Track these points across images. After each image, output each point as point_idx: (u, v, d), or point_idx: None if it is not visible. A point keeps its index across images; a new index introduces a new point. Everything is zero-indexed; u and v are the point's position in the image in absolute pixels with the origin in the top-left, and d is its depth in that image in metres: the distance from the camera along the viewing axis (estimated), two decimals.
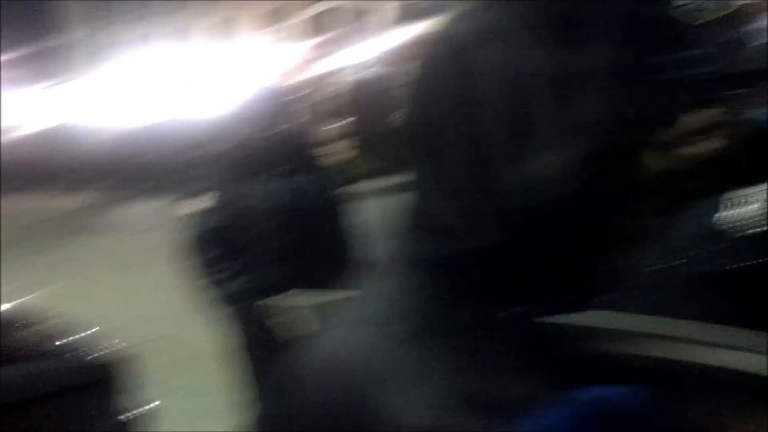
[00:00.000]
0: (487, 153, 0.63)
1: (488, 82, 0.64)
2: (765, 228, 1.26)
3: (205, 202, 3.28)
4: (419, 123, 0.68)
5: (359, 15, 33.35)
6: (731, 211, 1.30)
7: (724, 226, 1.28)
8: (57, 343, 3.35)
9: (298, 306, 2.55)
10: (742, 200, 1.30)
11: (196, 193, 3.38)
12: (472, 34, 0.66)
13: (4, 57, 25.39)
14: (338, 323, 0.71)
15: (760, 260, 1.04)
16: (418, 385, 0.62)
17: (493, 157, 0.63)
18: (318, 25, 35.18)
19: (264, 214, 3.20)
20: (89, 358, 3.30)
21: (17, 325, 3.48)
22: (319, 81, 33.00)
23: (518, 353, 0.62)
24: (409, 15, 32.67)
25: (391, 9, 32.77)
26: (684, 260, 1.09)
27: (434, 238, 0.66)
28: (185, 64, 32.35)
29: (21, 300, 4.48)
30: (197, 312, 3.57)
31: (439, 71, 0.67)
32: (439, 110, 0.66)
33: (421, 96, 0.69)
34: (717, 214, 1.31)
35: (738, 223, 1.28)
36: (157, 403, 3.52)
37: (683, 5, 0.74)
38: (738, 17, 1.04)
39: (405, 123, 0.69)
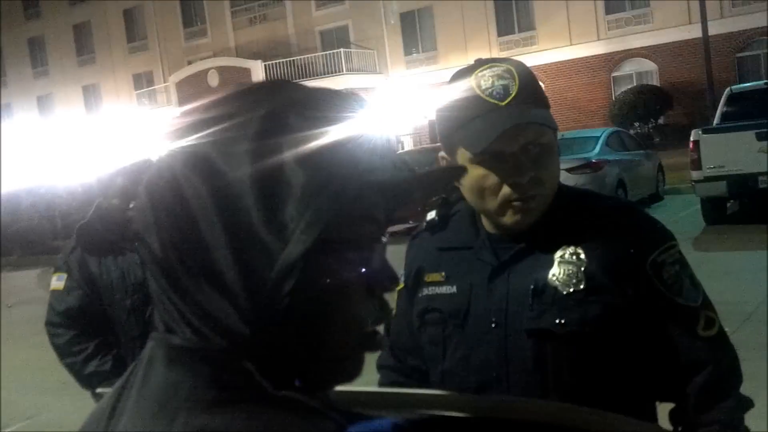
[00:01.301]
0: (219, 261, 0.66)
1: (202, 198, 0.66)
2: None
3: (68, 275, 3.18)
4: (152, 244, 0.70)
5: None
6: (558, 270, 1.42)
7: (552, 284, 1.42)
8: None
9: None
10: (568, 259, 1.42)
11: (61, 265, 3.22)
12: (180, 160, 0.69)
13: None
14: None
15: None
16: None
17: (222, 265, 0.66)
18: (184, 90, 35.41)
19: (121, 292, 3.11)
20: None
21: None
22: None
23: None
24: None
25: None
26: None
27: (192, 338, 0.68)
28: (51, 132, 31.63)
29: None
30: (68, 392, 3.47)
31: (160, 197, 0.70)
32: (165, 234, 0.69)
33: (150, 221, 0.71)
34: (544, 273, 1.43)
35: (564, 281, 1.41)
36: None
37: None
38: None
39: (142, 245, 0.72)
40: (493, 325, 1.46)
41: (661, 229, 1.48)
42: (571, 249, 1.43)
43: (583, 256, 1.42)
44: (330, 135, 0.69)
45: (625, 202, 1.56)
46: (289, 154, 0.67)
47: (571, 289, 1.41)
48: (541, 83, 1.48)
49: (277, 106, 0.70)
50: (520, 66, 1.45)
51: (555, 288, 1.42)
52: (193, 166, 0.68)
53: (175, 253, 0.69)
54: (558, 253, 1.44)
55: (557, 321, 1.41)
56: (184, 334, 0.69)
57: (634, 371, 1.43)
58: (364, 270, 0.71)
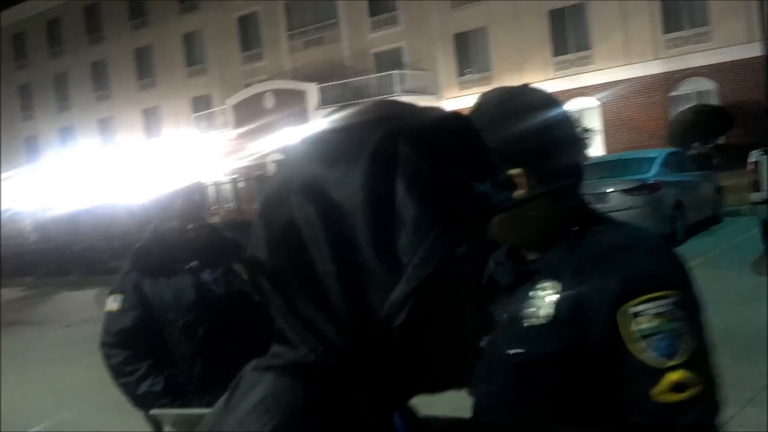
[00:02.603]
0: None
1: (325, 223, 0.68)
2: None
3: (124, 296, 3.21)
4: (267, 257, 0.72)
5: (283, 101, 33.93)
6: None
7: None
8: None
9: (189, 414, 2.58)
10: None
11: (117, 287, 3.26)
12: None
13: None
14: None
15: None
16: None
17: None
18: (242, 114, 35.94)
19: (174, 312, 3.14)
20: None
21: None
22: (242, 172, 32.93)
23: None
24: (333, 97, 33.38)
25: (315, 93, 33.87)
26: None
27: (295, 350, 0.71)
28: (109, 155, 32.28)
29: None
30: (124, 412, 3.49)
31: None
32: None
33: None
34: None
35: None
36: None
37: None
38: None
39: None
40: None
41: (656, 275, 1.35)
42: (548, 282, 1.44)
43: (557, 290, 1.42)
44: (441, 165, 0.70)
45: (635, 238, 1.42)
46: (401, 184, 0.68)
47: (534, 322, 1.43)
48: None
49: (389, 132, 0.70)
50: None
51: (521, 318, 1.45)
52: (308, 190, 0.70)
53: (288, 276, 0.71)
54: (539, 284, 1.45)
55: (510, 351, 1.45)
56: (294, 353, 0.71)
57: (592, 416, 1.37)
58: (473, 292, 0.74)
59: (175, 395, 3.08)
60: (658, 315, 1.30)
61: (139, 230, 3.34)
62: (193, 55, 43.56)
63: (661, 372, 1.28)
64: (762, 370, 6.11)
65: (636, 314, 1.31)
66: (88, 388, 7.60)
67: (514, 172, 1.45)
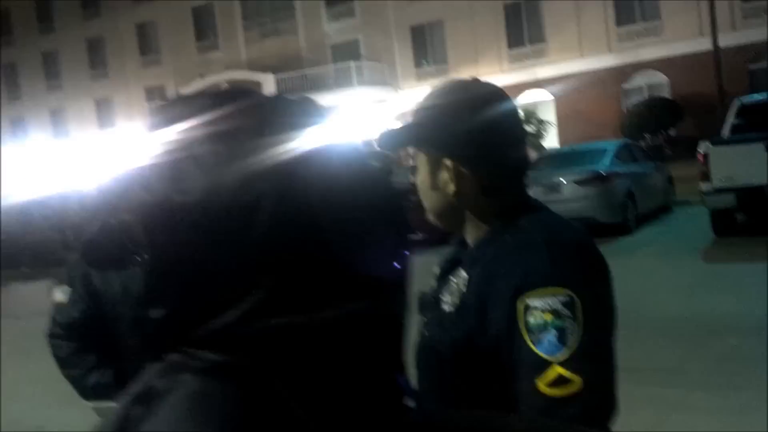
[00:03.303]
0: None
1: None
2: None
3: (72, 289, 3.17)
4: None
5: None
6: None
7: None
8: None
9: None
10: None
11: (65, 279, 3.22)
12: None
13: None
14: None
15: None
16: None
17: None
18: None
19: (123, 305, 3.10)
20: None
21: None
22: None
23: None
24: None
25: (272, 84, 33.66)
26: None
27: None
28: (61, 146, 31.76)
29: None
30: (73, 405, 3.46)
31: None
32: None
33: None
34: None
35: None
36: None
37: None
38: None
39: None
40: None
41: (551, 273, 1.37)
42: (462, 272, 1.49)
43: (467, 280, 1.47)
44: (293, 148, 0.69)
45: (546, 233, 1.42)
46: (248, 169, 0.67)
47: (446, 309, 1.49)
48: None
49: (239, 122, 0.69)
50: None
51: (438, 303, 1.52)
52: (170, 180, 0.68)
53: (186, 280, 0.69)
54: (458, 273, 1.51)
55: (426, 334, 1.53)
56: (213, 354, 0.68)
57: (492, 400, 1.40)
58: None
59: (124, 388, 3.06)
60: (547, 311, 1.33)
61: (90, 222, 3.13)
62: (147, 46, 43.04)
63: (547, 365, 1.31)
64: (707, 355, 6.25)
65: (529, 307, 1.34)
66: (41, 381, 7.50)
67: (447, 162, 1.49)
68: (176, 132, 0.70)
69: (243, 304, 0.66)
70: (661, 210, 15.16)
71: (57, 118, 46.61)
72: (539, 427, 0.99)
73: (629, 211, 13.52)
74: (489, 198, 1.51)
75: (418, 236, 14.59)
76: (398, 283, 0.73)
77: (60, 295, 3.22)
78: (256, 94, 0.75)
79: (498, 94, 1.53)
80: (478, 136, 1.47)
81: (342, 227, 0.68)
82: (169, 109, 0.73)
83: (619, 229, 13.03)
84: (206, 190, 0.67)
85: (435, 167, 1.51)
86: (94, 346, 3.16)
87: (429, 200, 1.56)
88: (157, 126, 0.72)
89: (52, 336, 3.23)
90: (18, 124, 47.75)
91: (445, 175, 1.50)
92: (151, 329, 0.72)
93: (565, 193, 12.94)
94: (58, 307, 3.22)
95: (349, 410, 0.68)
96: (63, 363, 3.20)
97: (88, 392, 3.13)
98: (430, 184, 1.53)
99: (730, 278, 9.06)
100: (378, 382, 0.71)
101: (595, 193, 12.93)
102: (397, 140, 1.57)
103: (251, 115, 0.71)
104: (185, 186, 0.67)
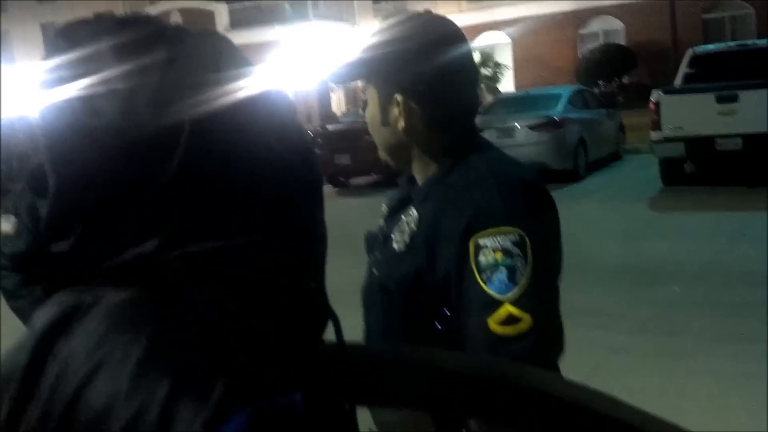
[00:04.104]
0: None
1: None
2: None
3: (18, 219, 3.16)
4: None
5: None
6: None
7: None
8: None
9: None
10: None
11: (11, 209, 3.20)
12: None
13: None
14: None
15: None
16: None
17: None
18: None
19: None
20: None
21: None
22: None
23: None
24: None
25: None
26: None
27: None
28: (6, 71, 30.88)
29: None
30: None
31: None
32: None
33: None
34: None
35: None
36: None
37: None
38: None
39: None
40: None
41: (501, 212, 1.37)
42: (413, 210, 1.49)
43: (418, 218, 1.47)
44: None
45: (496, 173, 1.43)
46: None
47: (396, 247, 1.49)
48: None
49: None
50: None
51: (388, 242, 1.52)
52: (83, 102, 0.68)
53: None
54: (408, 211, 1.51)
55: (376, 273, 1.55)
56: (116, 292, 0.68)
57: (440, 335, 1.42)
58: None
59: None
60: (498, 250, 1.34)
61: (38, 151, 3.24)
62: None
63: (497, 304, 1.32)
64: (651, 301, 6.40)
65: (480, 246, 1.34)
66: None
67: (397, 97, 1.48)
68: (85, 57, 0.69)
69: (157, 235, 0.67)
70: (612, 158, 15.33)
71: (1, 42, 45.13)
72: (484, 365, 1.01)
73: (580, 158, 13.64)
74: (438, 135, 1.49)
75: (372, 177, 14.65)
76: (306, 215, 0.75)
77: (6, 225, 3.20)
78: (163, 23, 0.74)
79: (452, 31, 1.51)
80: (429, 72, 1.46)
81: (253, 161, 0.69)
82: (72, 32, 0.72)
83: (570, 175, 13.15)
84: (122, 115, 0.66)
85: (385, 102, 1.50)
86: (40, 278, 3.12)
87: (379, 136, 1.55)
88: (59, 50, 0.71)
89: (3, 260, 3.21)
90: None
91: (395, 111, 1.48)
92: (60, 263, 0.71)
93: (519, 138, 12.98)
94: (4, 237, 3.20)
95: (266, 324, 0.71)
96: (9, 294, 3.22)
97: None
98: (380, 119, 1.52)
99: (677, 227, 9.25)
100: (293, 301, 0.74)
101: (548, 139, 13.00)
102: (347, 74, 1.55)
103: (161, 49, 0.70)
104: (99, 108, 0.67)
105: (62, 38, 0.72)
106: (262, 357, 0.69)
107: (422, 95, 1.47)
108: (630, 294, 6.67)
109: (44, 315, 0.69)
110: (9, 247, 3.17)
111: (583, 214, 10.01)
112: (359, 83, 1.58)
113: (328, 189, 15.55)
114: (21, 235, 3.15)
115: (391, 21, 1.52)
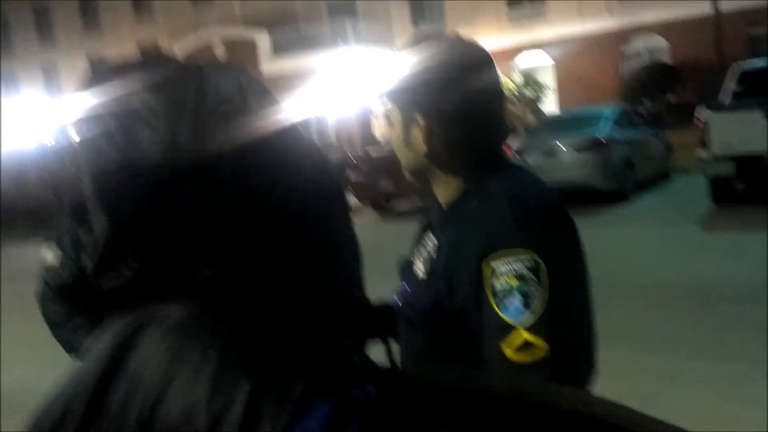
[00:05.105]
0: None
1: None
2: None
3: (63, 251, 3.13)
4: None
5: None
6: None
7: None
8: None
9: None
10: None
11: (56, 241, 3.17)
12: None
13: None
14: None
15: None
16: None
17: None
18: None
19: None
20: None
21: None
22: None
23: None
24: None
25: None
26: None
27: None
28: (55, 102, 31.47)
29: None
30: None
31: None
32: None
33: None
34: None
35: None
36: None
37: None
38: None
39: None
40: None
41: (516, 236, 1.33)
42: (432, 238, 1.49)
43: (437, 246, 1.45)
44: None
45: (512, 197, 1.39)
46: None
47: (419, 275, 1.48)
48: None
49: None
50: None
51: (414, 270, 1.52)
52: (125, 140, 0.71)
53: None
54: (429, 239, 1.51)
55: (401, 301, 1.54)
56: (179, 309, 0.71)
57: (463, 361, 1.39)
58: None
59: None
60: (512, 275, 1.31)
61: (80, 182, 3.25)
62: (140, 1, 42.51)
63: (511, 330, 1.29)
64: (706, 324, 6.23)
65: (494, 271, 1.32)
66: (37, 342, 7.48)
67: (419, 120, 1.47)
68: (126, 95, 0.72)
69: (208, 258, 0.71)
70: (660, 177, 15.08)
71: (49, 75, 46.17)
72: (518, 387, 0.97)
73: (627, 179, 13.44)
74: (459, 159, 1.48)
75: (416, 202, 14.62)
76: (337, 244, 0.80)
77: (50, 257, 3.19)
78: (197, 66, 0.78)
79: (477, 54, 1.50)
80: (451, 96, 1.45)
81: (288, 181, 0.74)
82: (109, 69, 0.76)
83: (617, 196, 12.97)
84: (163, 149, 0.69)
85: (408, 123, 1.49)
86: (84, 308, 3.13)
87: (403, 156, 1.55)
88: (97, 84, 0.74)
89: (43, 299, 3.22)
90: (9, 80, 47.28)
91: (417, 133, 1.48)
92: (112, 296, 0.75)
93: (564, 159, 12.86)
94: (49, 269, 3.20)
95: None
96: (54, 326, 3.19)
97: (79, 353, 3.00)
98: (403, 140, 1.51)
99: (728, 247, 9.03)
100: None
101: (594, 160, 12.84)
102: (379, 95, 1.56)
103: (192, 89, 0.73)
104: (141, 143, 0.70)
105: (99, 74, 0.75)
106: (332, 354, 0.72)
107: (444, 118, 1.46)
108: (684, 317, 6.51)
109: (108, 335, 0.71)
110: (53, 279, 3.17)
111: (632, 235, 9.82)
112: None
113: (371, 214, 15.53)
114: (65, 266, 3.14)
115: (419, 45, 1.51)
